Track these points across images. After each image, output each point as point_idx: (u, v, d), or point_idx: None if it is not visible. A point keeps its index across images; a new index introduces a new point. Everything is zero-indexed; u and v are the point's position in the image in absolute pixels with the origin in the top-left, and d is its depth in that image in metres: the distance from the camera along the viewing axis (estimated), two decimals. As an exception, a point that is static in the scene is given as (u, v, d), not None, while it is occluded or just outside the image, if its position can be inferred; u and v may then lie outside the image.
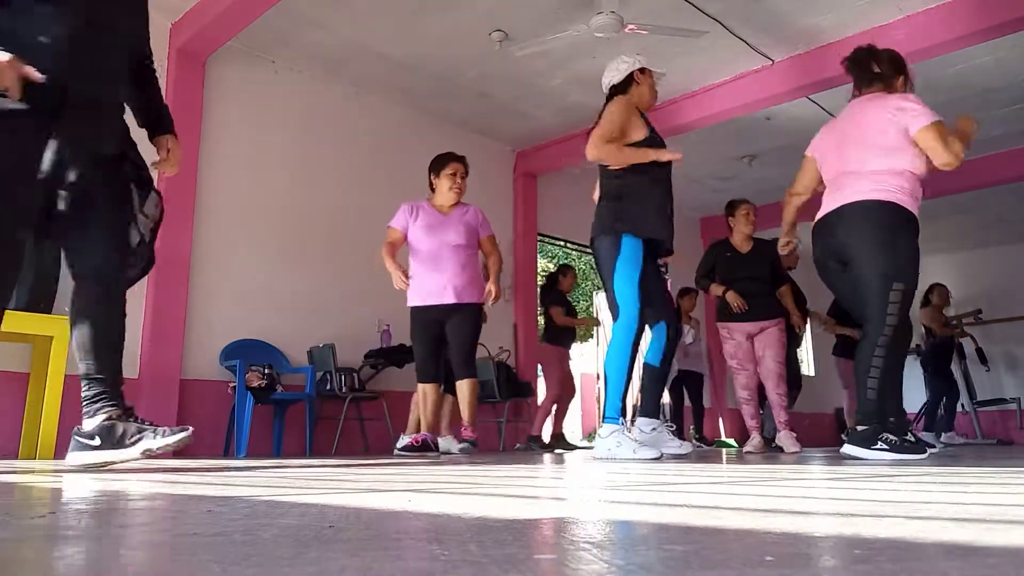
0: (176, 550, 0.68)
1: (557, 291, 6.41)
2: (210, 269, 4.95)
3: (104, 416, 2.21)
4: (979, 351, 9.49)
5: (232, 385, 4.74)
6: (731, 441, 8.12)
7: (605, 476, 1.95)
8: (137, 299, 4.61)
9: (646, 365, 3.45)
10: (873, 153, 3.01)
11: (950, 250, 10.77)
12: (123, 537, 0.78)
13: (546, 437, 6.34)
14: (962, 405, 10.00)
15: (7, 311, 3.52)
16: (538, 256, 8.81)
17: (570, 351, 6.55)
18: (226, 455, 4.59)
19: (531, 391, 6.63)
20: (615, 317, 3.23)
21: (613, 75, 3.49)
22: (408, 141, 6.36)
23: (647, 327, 3.41)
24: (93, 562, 0.63)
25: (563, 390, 6.29)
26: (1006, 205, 8.72)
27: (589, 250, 8.36)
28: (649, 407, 3.45)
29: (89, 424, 2.19)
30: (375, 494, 1.36)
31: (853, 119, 3.16)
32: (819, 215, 3.17)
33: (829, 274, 3.17)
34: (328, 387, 5.03)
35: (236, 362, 4.65)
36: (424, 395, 4.09)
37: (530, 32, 5.14)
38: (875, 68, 3.29)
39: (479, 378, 5.85)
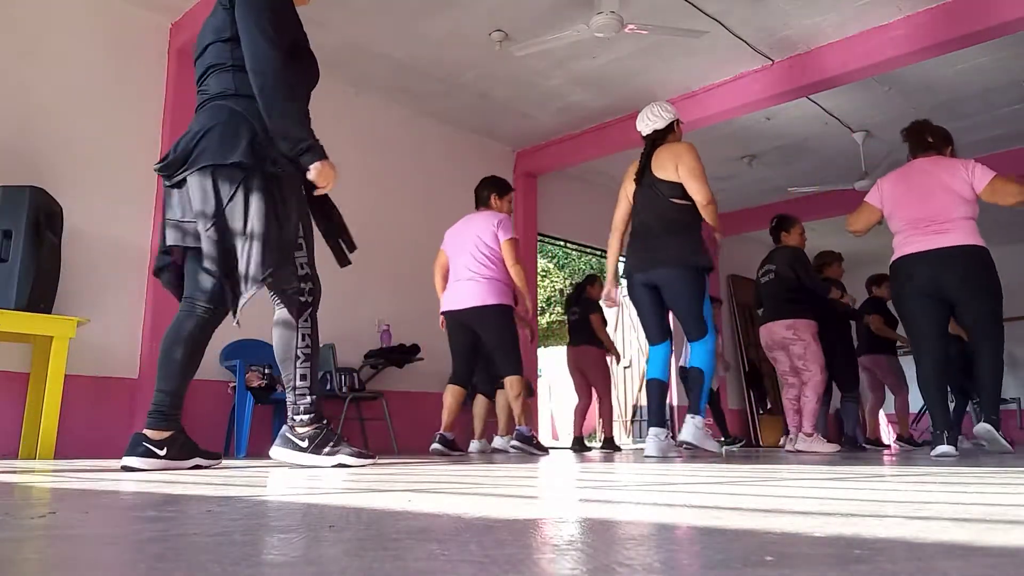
0: (176, 550, 0.68)
1: (593, 300, 6.44)
2: (210, 269, 4.95)
3: (317, 425, 2.54)
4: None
5: (232, 385, 4.74)
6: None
7: (605, 476, 1.95)
8: (137, 299, 4.61)
9: (658, 381, 3.77)
10: (956, 203, 3.67)
11: (950, 250, 10.76)
12: (123, 537, 0.78)
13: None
14: (963, 405, 9.98)
15: (6, 311, 3.53)
16: (538, 256, 8.80)
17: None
18: (226, 455, 4.59)
19: (532, 391, 6.63)
20: (701, 335, 3.65)
21: (657, 122, 3.84)
22: (408, 141, 6.36)
23: (652, 344, 3.83)
24: (93, 562, 0.63)
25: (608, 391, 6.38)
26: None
27: (589, 250, 8.46)
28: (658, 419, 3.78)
29: (302, 428, 2.53)
30: (375, 494, 1.35)
31: (928, 176, 3.78)
32: (915, 250, 3.71)
33: (917, 299, 3.71)
34: (328, 387, 5.03)
35: (236, 362, 4.65)
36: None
37: (530, 32, 5.14)
38: (928, 138, 3.94)
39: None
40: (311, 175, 2.34)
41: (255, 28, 2.33)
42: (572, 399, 6.68)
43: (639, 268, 3.67)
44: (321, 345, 5.08)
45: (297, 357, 2.52)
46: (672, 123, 3.84)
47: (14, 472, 2.27)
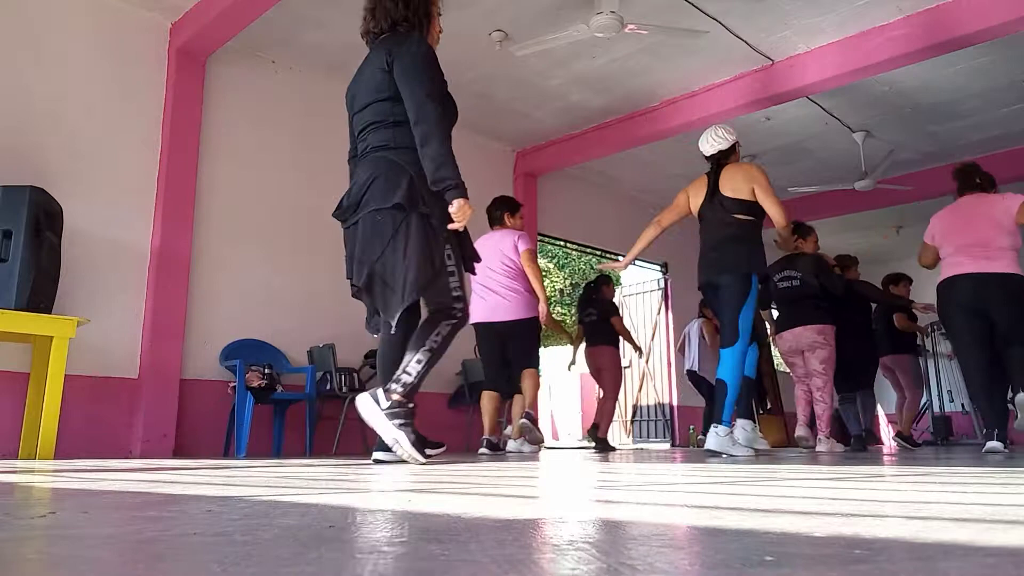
0: (176, 550, 0.68)
1: (610, 301, 6.54)
2: (210, 269, 4.95)
3: (402, 401, 2.75)
4: (979, 351, 9.49)
5: (232, 385, 4.74)
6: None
7: (605, 476, 1.95)
8: (137, 299, 4.61)
9: (745, 377, 4.00)
10: (997, 232, 4.12)
11: (950, 250, 10.77)
12: (123, 537, 0.78)
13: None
14: (962, 405, 9.99)
15: (6, 311, 3.53)
16: (539, 256, 8.79)
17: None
18: (226, 455, 4.59)
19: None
20: (732, 342, 3.79)
21: (720, 143, 4.09)
22: (408, 141, 6.35)
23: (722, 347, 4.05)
24: (93, 562, 0.63)
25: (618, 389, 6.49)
26: None
27: (589, 250, 8.46)
28: (746, 411, 4.17)
29: (392, 396, 2.76)
30: (375, 494, 1.36)
31: (974, 209, 4.30)
32: (961, 271, 4.18)
33: (963, 315, 4.20)
34: (328, 387, 5.03)
35: (236, 362, 4.65)
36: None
37: (530, 32, 5.14)
38: (976, 180, 4.45)
39: (479, 379, 5.90)
40: (452, 209, 2.69)
41: (417, 87, 2.72)
42: (573, 399, 6.70)
43: (709, 278, 3.98)
44: (323, 345, 5.13)
45: (422, 346, 2.77)
46: (734, 144, 4.12)
47: (14, 472, 2.27)
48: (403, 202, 2.70)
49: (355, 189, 2.81)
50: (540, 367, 4.97)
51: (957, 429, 10.12)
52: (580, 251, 8.79)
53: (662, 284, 9.04)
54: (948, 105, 6.36)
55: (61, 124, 4.45)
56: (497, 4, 4.90)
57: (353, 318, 5.65)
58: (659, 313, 9.06)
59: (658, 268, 8.97)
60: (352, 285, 2.89)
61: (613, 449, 6.26)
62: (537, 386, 4.90)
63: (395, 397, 2.72)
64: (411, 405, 2.75)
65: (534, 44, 4.83)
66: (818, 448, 5.06)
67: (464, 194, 2.70)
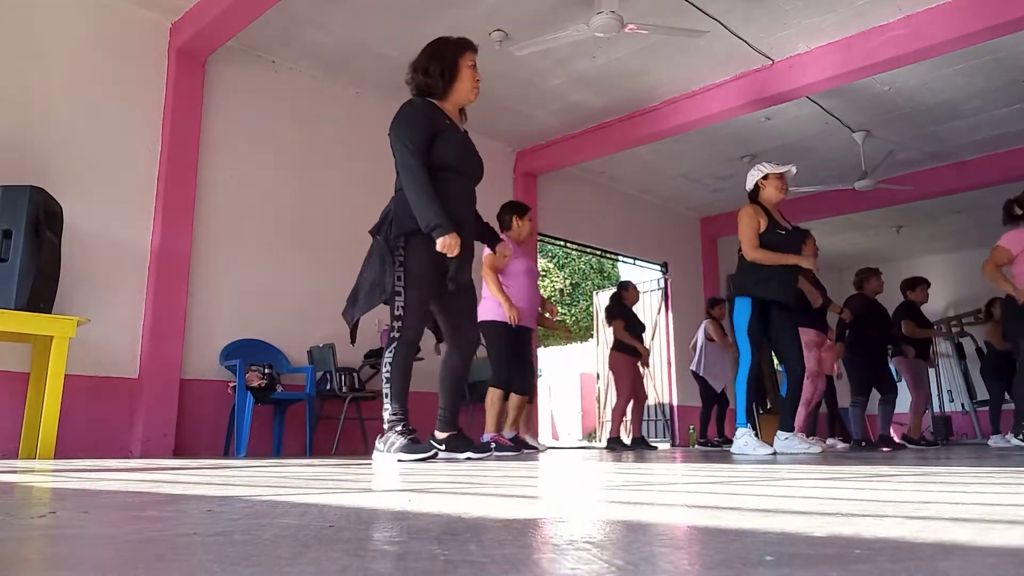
0: (176, 550, 0.68)
1: (622, 305, 6.63)
2: (210, 268, 4.95)
3: (389, 431, 3.06)
4: (979, 351, 9.50)
5: (232, 385, 4.74)
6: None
7: (605, 476, 1.95)
8: (137, 299, 4.61)
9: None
10: None
11: (950, 250, 10.77)
12: (123, 537, 0.78)
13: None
14: (962, 405, 9.99)
15: (6, 311, 3.53)
16: (539, 256, 8.79)
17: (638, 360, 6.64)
18: (226, 455, 4.59)
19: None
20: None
21: (748, 184, 4.49)
22: (408, 141, 6.35)
23: (778, 364, 4.48)
24: (93, 562, 0.63)
25: (635, 395, 6.48)
26: None
27: (589, 250, 8.47)
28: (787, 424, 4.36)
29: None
30: (375, 494, 1.36)
31: None
32: None
33: None
34: (328, 387, 5.03)
35: (236, 362, 4.65)
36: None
37: (530, 32, 5.14)
38: (1017, 211, 5.29)
39: (479, 378, 5.90)
40: (438, 246, 3.00)
41: (396, 142, 3.21)
42: (573, 399, 6.76)
43: (788, 299, 4.40)
44: (323, 345, 5.13)
45: (383, 379, 3.12)
46: (757, 183, 4.42)
47: (14, 472, 2.27)
48: (373, 230, 3.12)
49: None
50: (495, 382, 4.55)
51: (957, 429, 10.13)
52: (580, 251, 8.78)
53: (662, 284, 9.03)
54: (948, 105, 6.36)
55: (61, 124, 4.45)
56: (497, 4, 4.90)
57: (353, 318, 5.65)
58: (659, 313, 9.06)
59: (658, 268, 8.97)
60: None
61: (627, 447, 6.39)
62: (491, 403, 4.52)
63: (385, 435, 3.04)
64: (398, 429, 3.03)
65: (534, 44, 4.82)
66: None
67: (444, 232, 2.98)
